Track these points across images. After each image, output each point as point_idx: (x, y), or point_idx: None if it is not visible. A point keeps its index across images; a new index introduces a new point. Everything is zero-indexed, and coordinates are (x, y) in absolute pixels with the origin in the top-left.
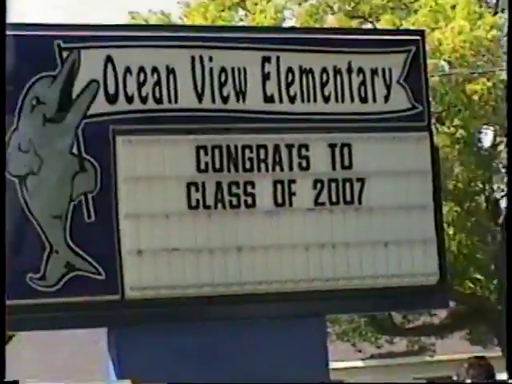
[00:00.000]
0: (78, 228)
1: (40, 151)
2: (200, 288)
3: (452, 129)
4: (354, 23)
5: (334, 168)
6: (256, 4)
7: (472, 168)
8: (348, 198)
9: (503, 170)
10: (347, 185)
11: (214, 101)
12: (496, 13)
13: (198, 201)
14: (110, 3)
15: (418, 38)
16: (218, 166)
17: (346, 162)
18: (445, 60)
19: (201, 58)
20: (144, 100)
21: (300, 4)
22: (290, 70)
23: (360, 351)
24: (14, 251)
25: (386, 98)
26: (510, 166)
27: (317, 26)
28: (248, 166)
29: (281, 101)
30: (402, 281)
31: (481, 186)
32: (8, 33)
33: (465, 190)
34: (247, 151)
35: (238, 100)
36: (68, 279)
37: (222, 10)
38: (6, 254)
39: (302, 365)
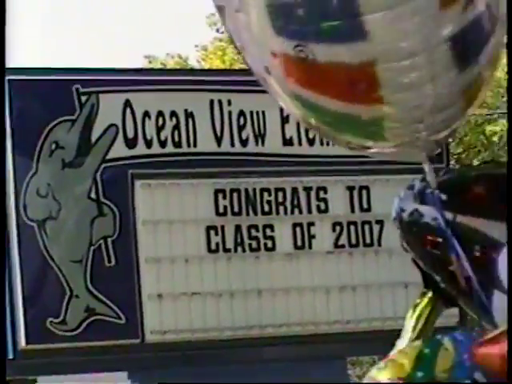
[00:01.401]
0: (99, 272)
1: (58, 196)
2: (221, 332)
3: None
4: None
5: (352, 210)
6: None
7: None
8: (368, 240)
9: None
10: (366, 227)
11: (233, 144)
12: None
13: (217, 244)
14: (125, 47)
15: None
16: (236, 209)
17: (365, 205)
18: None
19: (219, 101)
20: (163, 144)
21: None
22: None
23: None
24: (34, 296)
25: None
26: (510, 164)
27: None
28: (267, 209)
29: (300, 143)
30: None
31: None
32: (28, 77)
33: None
34: (266, 194)
35: (257, 143)
36: (88, 323)
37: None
38: (27, 298)
39: None
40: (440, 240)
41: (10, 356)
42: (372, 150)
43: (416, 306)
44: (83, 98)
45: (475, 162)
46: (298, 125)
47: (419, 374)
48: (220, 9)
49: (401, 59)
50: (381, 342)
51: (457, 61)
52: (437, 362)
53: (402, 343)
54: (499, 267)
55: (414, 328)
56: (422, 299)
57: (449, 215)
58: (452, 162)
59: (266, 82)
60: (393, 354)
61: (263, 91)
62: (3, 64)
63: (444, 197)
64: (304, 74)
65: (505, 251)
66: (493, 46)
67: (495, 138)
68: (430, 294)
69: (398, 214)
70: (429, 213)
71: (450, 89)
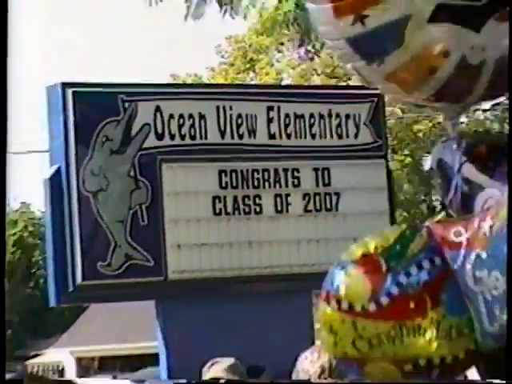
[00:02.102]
0: (135, 229)
1: (107, 174)
2: (222, 271)
3: (402, 157)
4: (333, 81)
5: (317, 185)
6: (262, 68)
7: (416, 185)
8: (328, 206)
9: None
10: (327, 197)
11: (232, 137)
12: None
13: (220, 209)
14: (155, 68)
15: (379, 92)
16: (234, 184)
17: (326, 181)
18: (398, 108)
19: (224, 107)
20: (182, 137)
21: (294, 68)
22: (287, 115)
23: None
24: (89, 246)
25: (356, 135)
26: (510, 168)
27: (306, 84)
28: (256, 184)
29: (280, 137)
30: None
31: (423, 197)
32: (87, 90)
33: (411, 200)
34: (256, 174)
35: (250, 137)
36: (127, 266)
37: (238, 73)
38: (84, 248)
39: (296, 326)
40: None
41: (71, 289)
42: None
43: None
44: (126, 105)
45: (405, 152)
46: (279, 124)
47: (397, 247)
48: None
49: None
50: None
51: (359, 55)
52: (413, 242)
53: (387, 232)
54: (476, 202)
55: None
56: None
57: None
58: (389, 151)
59: None
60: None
61: (256, 100)
62: (5, 62)
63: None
64: None
65: (484, 194)
66: (404, 50)
67: (420, 134)
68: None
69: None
70: (449, 159)
71: (373, 74)
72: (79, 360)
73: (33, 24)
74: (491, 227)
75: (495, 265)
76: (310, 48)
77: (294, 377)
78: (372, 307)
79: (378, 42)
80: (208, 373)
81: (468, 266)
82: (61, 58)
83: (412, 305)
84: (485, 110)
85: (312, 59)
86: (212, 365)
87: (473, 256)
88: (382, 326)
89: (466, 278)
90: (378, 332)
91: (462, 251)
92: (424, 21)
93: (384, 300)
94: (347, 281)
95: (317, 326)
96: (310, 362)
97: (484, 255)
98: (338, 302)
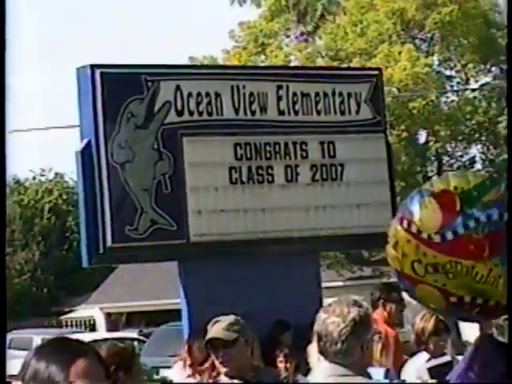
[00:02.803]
0: (159, 196)
1: (133, 147)
2: (238, 235)
3: (399, 132)
4: (336, 63)
5: (323, 157)
6: (272, 51)
7: (412, 157)
8: (333, 176)
9: (432, 158)
10: (332, 168)
11: (245, 114)
12: (427, 56)
13: (236, 179)
14: (175, 49)
15: (378, 72)
16: (248, 156)
17: (332, 153)
18: (395, 87)
19: (237, 86)
20: (200, 113)
21: (300, 51)
22: (294, 94)
23: (341, 275)
24: (117, 212)
25: (357, 112)
26: (510, 165)
27: (312, 65)
28: (268, 156)
29: (289, 114)
30: (367, 229)
31: (418, 168)
32: (113, 71)
33: (408, 170)
34: (267, 147)
35: (261, 113)
36: (152, 230)
37: (250, 56)
38: (113, 213)
39: (306, 284)
40: None
41: (101, 251)
42: None
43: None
44: (149, 84)
45: (402, 127)
46: (288, 101)
47: (475, 193)
48: None
49: None
50: (340, 242)
51: None
52: (490, 192)
53: (471, 174)
54: None
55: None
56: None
57: None
58: (387, 126)
59: None
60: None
61: (266, 80)
62: (3, 61)
63: None
64: None
65: None
66: None
67: (415, 111)
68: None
69: None
70: None
71: None
72: (108, 315)
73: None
74: None
75: None
76: (304, 30)
77: (315, 337)
78: (437, 238)
79: None
80: (210, 331)
81: None
82: (86, 43)
83: (472, 247)
84: (473, 90)
85: (306, 40)
86: (214, 323)
87: None
88: (441, 258)
89: None
90: (435, 261)
91: None
92: None
93: (449, 235)
94: (422, 208)
95: (352, 315)
96: (331, 324)
97: None
98: (409, 224)
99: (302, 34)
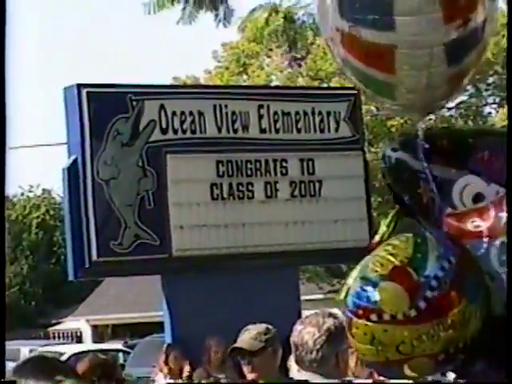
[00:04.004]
0: (143, 212)
1: (119, 164)
2: (219, 249)
3: (377, 149)
4: (316, 83)
5: (302, 174)
6: (253, 71)
7: None
8: (312, 192)
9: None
10: (311, 184)
11: (228, 132)
12: None
13: (217, 195)
14: (156, 70)
15: (356, 92)
16: (230, 173)
17: (311, 170)
18: (373, 106)
19: (220, 105)
20: (184, 132)
21: (281, 71)
22: (275, 113)
23: (321, 288)
24: (102, 226)
25: (336, 130)
26: (509, 166)
27: (293, 85)
28: (249, 172)
29: (270, 132)
30: (345, 244)
31: None
32: (99, 90)
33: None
34: (248, 164)
35: (243, 131)
36: (136, 244)
37: (232, 76)
38: (98, 229)
39: (285, 297)
40: (418, 174)
41: (87, 265)
42: (386, 105)
43: (390, 214)
44: (134, 103)
45: (380, 145)
46: (269, 120)
47: (419, 256)
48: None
49: (412, 49)
50: (318, 256)
51: (447, 59)
52: (428, 247)
53: (377, 237)
54: (453, 193)
55: (388, 227)
56: (394, 211)
57: (426, 157)
58: (365, 144)
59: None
60: (384, 244)
61: (248, 99)
62: (3, 62)
63: (426, 145)
64: (351, 45)
65: (460, 182)
66: (480, 49)
67: (393, 129)
68: (398, 208)
69: (385, 158)
70: (409, 158)
71: (439, 77)
72: (94, 327)
73: (38, 29)
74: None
75: None
76: (296, 55)
77: (292, 348)
78: (413, 313)
79: (468, 43)
80: (238, 340)
81: (494, 251)
82: (72, 62)
83: (445, 303)
84: (449, 108)
85: (300, 65)
86: (245, 331)
87: (497, 242)
88: (423, 328)
89: (492, 262)
90: (419, 334)
91: (485, 239)
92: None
93: (422, 304)
94: (385, 295)
95: (326, 326)
96: (307, 334)
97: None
98: (379, 315)
99: (295, 59)
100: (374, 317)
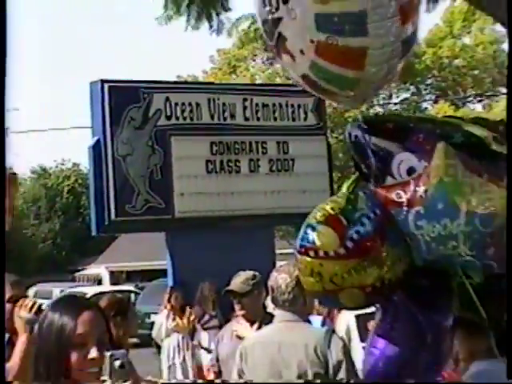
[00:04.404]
0: (152, 182)
1: (133, 144)
2: (212, 212)
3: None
4: (290, 81)
5: (279, 153)
6: (241, 72)
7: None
8: (286, 168)
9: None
10: (286, 162)
11: (219, 119)
12: None
13: (211, 169)
14: (163, 69)
15: None
16: (221, 151)
17: (285, 151)
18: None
19: (213, 98)
20: (184, 119)
21: (263, 72)
22: (257, 104)
23: (291, 244)
24: (119, 194)
25: (305, 119)
26: (509, 166)
27: (271, 82)
28: (236, 152)
29: (253, 120)
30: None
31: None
32: (117, 84)
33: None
34: (236, 145)
35: (231, 119)
36: (146, 208)
37: (224, 75)
38: (117, 194)
39: (263, 251)
40: (368, 148)
41: (107, 223)
42: (339, 98)
43: (350, 179)
44: (145, 95)
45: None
46: (252, 110)
47: (349, 207)
48: (274, 20)
49: (381, 48)
50: (290, 219)
51: (402, 53)
52: (358, 202)
53: (336, 198)
54: (392, 165)
55: (348, 189)
56: (354, 176)
57: (368, 136)
58: (328, 131)
59: (294, 61)
60: (328, 199)
61: (235, 93)
62: (4, 63)
63: (365, 126)
64: (326, 51)
65: (397, 157)
66: (415, 44)
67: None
68: (357, 174)
69: (348, 135)
70: (362, 135)
71: (395, 68)
72: (112, 273)
73: (53, 31)
74: (426, 191)
75: (431, 217)
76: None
77: (269, 290)
78: (342, 251)
79: (414, 39)
80: (231, 283)
81: (410, 217)
82: (101, 61)
83: (369, 245)
84: (396, 103)
85: (271, 64)
86: (236, 277)
87: (413, 211)
88: (351, 263)
89: (409, 226)
90: (348, 268)
91: (405, 208)
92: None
93: (349, 244)
94: (320, 236)
95: (296, 273)
96: (281, 279)
97: (422, 210)
98: (316, 252)
99: (268, 58)
100: (312, 253)
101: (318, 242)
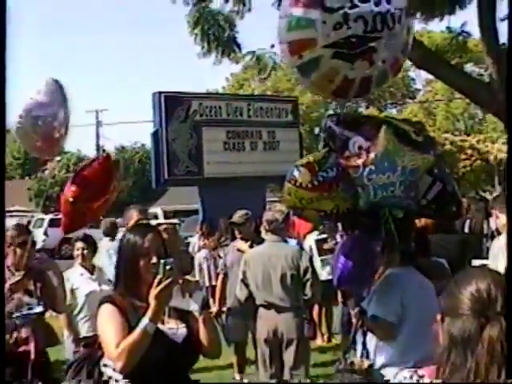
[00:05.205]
0: (191, 155)
1: (178, 131)
2: (227, 174)
3: (306, 127)
4: (276, 93)
5: (269, 138)
6: (246, 87)
7: (312, 140)
8: (274, 148)
9: (323, 142)
10: (274, 144)
11: (232, 116)
12: None
13: (227, 147)
14: (189, 82)
15: (296, 98)
16: (233, 137)
17: (274, 137)
18: (305, 106)
19: (229, 103)
20: (211, 116)
21: (260, 88)
22: (256, 107)
23: (276, 195)
24: (170, 162)
25: (286, 116)
26: (509, 165)
27: (265, 94)
28: (243, 137)
29: (251, 117)
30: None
31: (314, 146)
32: (169, 94)
33: (309, 148)
34: (243, 133)
35: (240, 116)
36: (187, 171)
37: (235, 89)
38: (169, 163)
39: (258, 200)
40: (336, 134)
41: (162, 181)
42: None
43: (323, 150)
44: (186, 101)
45: (307, 126)
46: (253, 111)
47: (323, 160)
48: None
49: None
50: (277, 179)
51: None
52: (328, 159)
53: (316, 153)
54: (349, 144)
55: (323, 152)
56: (325, 149)
57: (336, 126)
58: (300, 125)
59: None
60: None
61: (242, 100)
62: (3, 61)
63: (335, 119)
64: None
65: (353, 139)
66: None
67: (315, 118)
68: (327, 148)
69: (324, 125)
70: (333, 125)
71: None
72: (164, 212)
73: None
74: (376, 155)
75: (379, 171)
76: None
77: (264, 222)
78: (310, 185)
79: (307, 68)
80: (232, 217)
81: (365, 174)
82: (143, 72)
83: (327, 186)
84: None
85: (264, 82)
86: (235, 213)
87: (367, 169)
88: (314, 194)
89: (363, 180)
90: (311, 196)
91: (360, 169)
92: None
93: (316, 182)
94: (300, 173)
95: (280, 209)
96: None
97: (373, 168)
98: (295, 182)
99: (263, 79)
100: (293, 183)
101: (298, 177)
